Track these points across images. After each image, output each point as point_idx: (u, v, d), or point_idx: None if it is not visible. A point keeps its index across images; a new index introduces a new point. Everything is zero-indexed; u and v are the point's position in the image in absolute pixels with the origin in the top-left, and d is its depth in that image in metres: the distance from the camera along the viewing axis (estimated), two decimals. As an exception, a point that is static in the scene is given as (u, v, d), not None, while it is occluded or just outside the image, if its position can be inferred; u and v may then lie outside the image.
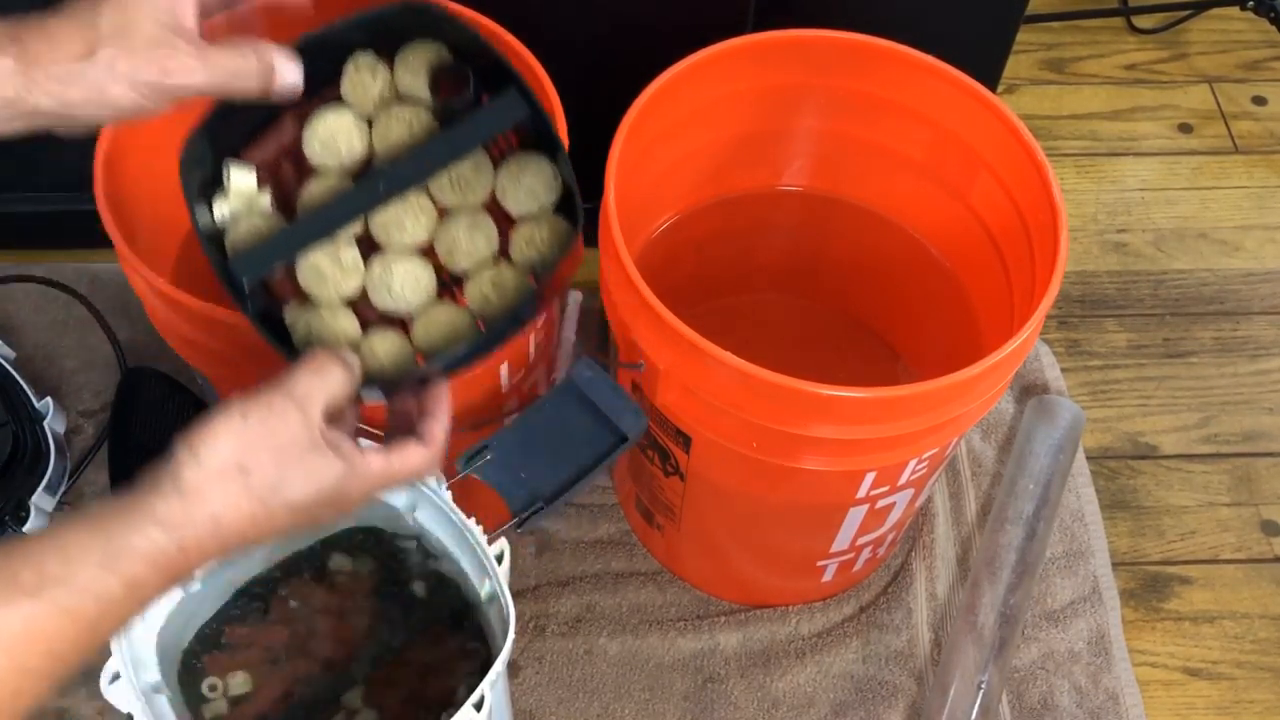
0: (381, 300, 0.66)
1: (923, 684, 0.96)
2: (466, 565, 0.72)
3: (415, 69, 0.68)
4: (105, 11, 0.58)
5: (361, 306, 0.67)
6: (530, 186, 0.68)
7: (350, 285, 0.66)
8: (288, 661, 0.74)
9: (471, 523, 0.70)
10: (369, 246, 0.67)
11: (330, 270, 0.65)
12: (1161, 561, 1.04)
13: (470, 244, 0.67)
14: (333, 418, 0.59)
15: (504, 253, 0.69)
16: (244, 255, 0.64)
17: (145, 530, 0.53)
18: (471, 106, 0.67)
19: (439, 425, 0.63)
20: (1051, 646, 0.97)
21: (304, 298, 0.66)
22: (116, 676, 0.65)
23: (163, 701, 0.67)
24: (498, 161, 0.69)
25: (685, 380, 0.75)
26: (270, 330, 0.64)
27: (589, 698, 0.94)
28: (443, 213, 0.68)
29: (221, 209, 0.66)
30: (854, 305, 1.04)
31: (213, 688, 0.73)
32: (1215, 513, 1.07)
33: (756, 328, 1.03)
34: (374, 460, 0.59)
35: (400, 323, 0.67)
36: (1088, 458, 1.08)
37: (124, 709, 0.64)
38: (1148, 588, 1.03)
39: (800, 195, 0.98)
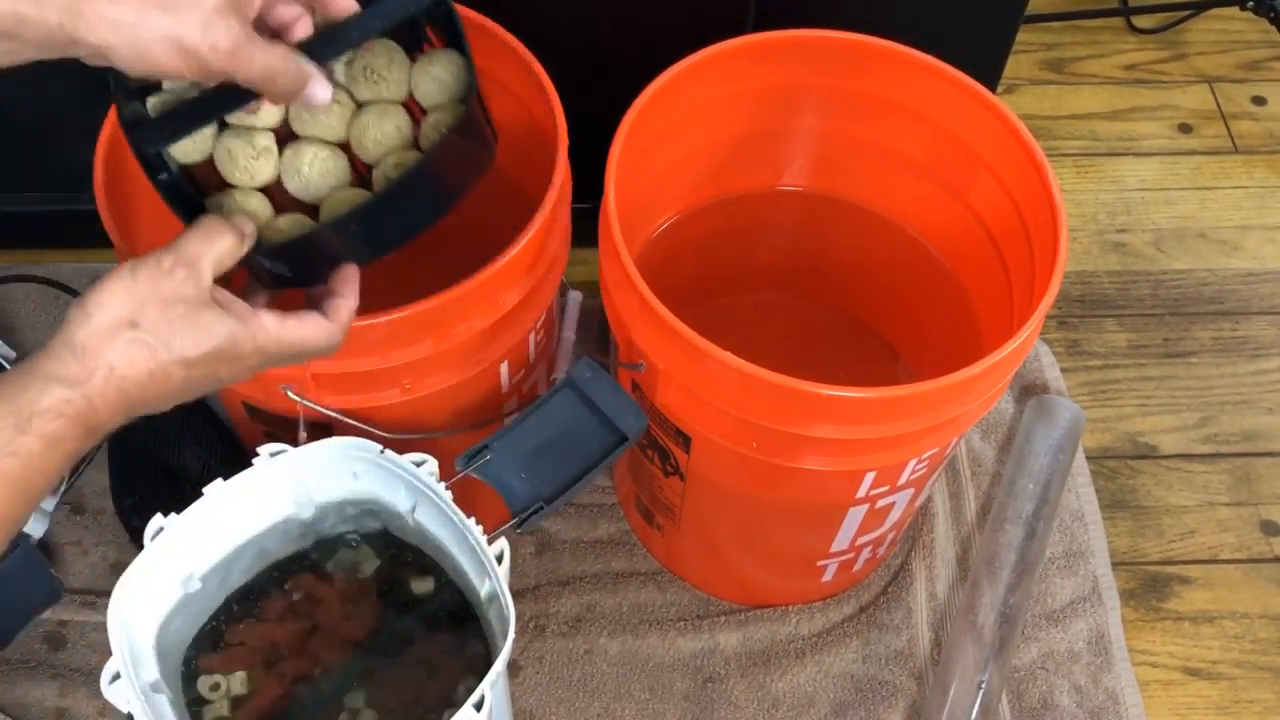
0: (292, 184, 0.68)
1: (923, 684, 0.96)
2: (466, 565, 0.72)
3: None
4: None
5: (276, 193, 0.69)
6: (439, 77, 0.69)
7: (263, 169, 0.68)
8: (287, 661, 0.74)
9: (471, 523, 0.70)
10: (289, 137, 0.69)
11: (243, 153, 0.67)
12: (1161, 561, 1.04)
13: (379, 132, 0.68)
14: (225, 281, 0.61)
15: (417, 146, 0.70)
16: (153, 124, 0.66)
17: (49, 389, 0.56)
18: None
19: (344, 303, 0.66)
20: (1051, 646, 0.97)
21: (225, 186, 0.68)
22: (116, 676, 0.65)
23: (163, 701, 0.67)
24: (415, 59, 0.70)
25: (685, 380, 0.75)
26: (180, 204, 0.66)
27: (589, 697, 0.94)
28: (360, 106, 0.69)
29: (152, 101, 0.67)
30: (854, 305, 1.04)
31: (213, 687, 0.73)
32: (1215, 512, 1.07)
33: (756, 328, 1.03)
34: (268, 320, 0.62)
35: (312, 207, 0.69)
36: (1087, 458, 1.09)
37: (124, 709, 0.64)
38: (1147, 588, 1.03)
39: (800, 195, 0.98)
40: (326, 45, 0.64)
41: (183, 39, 0.57)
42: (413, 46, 0.70)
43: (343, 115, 0.69)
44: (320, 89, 0.63)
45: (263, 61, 0.60)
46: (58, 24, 0.56)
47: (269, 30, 0.63)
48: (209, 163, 0.68)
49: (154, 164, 0.67)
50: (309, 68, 0.63)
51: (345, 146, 0.69)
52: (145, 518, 0.71)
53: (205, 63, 0.58)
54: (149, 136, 0.66)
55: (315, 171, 0.68)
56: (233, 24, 0.58)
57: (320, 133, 0.68)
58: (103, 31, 0.57)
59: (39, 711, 0.91)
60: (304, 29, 0.64)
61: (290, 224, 0.68)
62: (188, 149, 0.68)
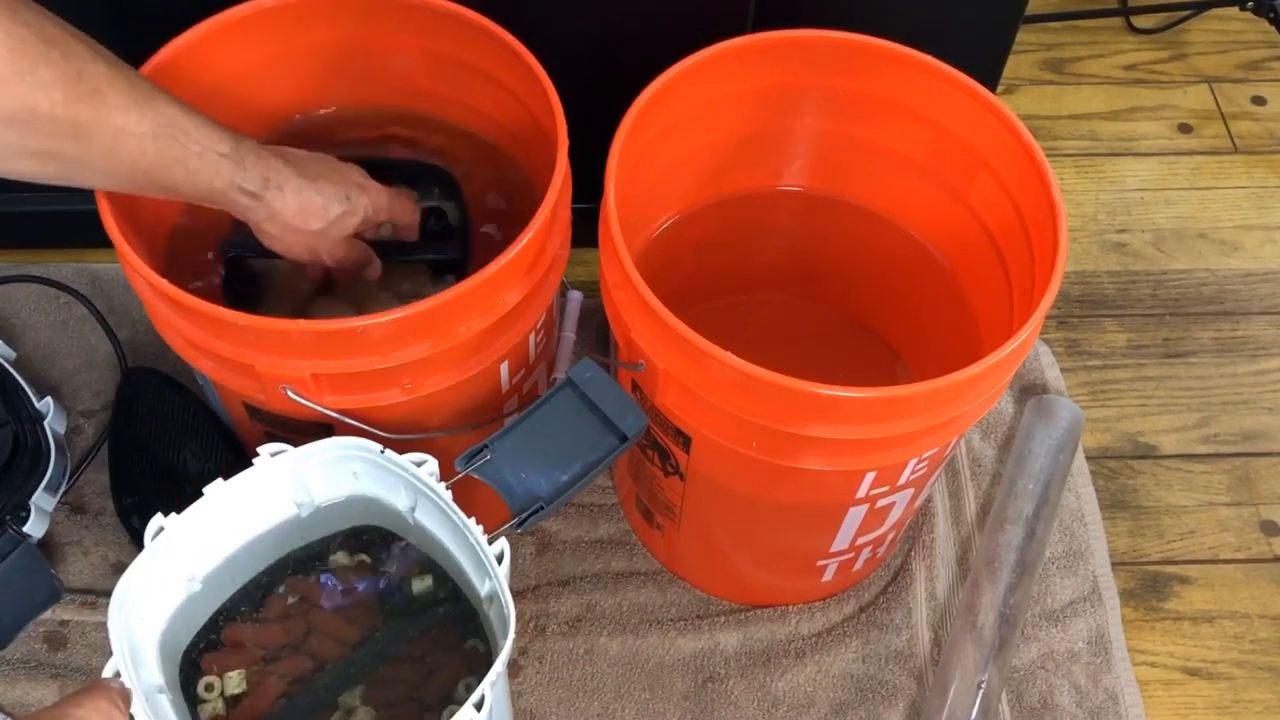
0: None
1: (923, 684, 0.96)
2: (466, 565, 0.72)
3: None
4: (336, 191, 0.80)
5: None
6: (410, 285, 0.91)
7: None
8: (285, 661, 0.74)
9: (471, 523, 0.70)
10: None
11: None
12: (1161, 561, 1.04)
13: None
14: None
15: None
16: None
17: None
18: (444, 227, 0.91)
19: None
20: (1051, 646, 0.97)
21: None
22: (117, 676, 0.65)
23: (163, 701, 0.67)
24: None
25: (685, 380, 0.75)
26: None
27: (589, 697, 0.94)
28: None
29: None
30: (854, 305, 1.04)
31: (209, 687, 0.73)
32: (1215, 513, 1.07)
33: (756, 328, 1.03)
34: None
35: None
36: (1087, 458, 1.09)
37: (129, 691, 0.64)
38: (1147, 587, 1.03)
39: (800, 195, 0.98)
40: (388, 249, 0.88)
41: (317, 250, 0.81)
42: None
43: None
44: (378, 268, 0.87)
45: (356, 256, 0.84)
46: (249, 208, 0.77)
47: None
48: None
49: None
50: (374, 255, 0.86)
51: None
52: (145, 518, 0.71)
53: (321, 262, 0.83)
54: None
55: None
56: (346, 243, 0.82)
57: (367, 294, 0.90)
58: (274, 228, 0.78)
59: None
60: (370, 234, 0.86)
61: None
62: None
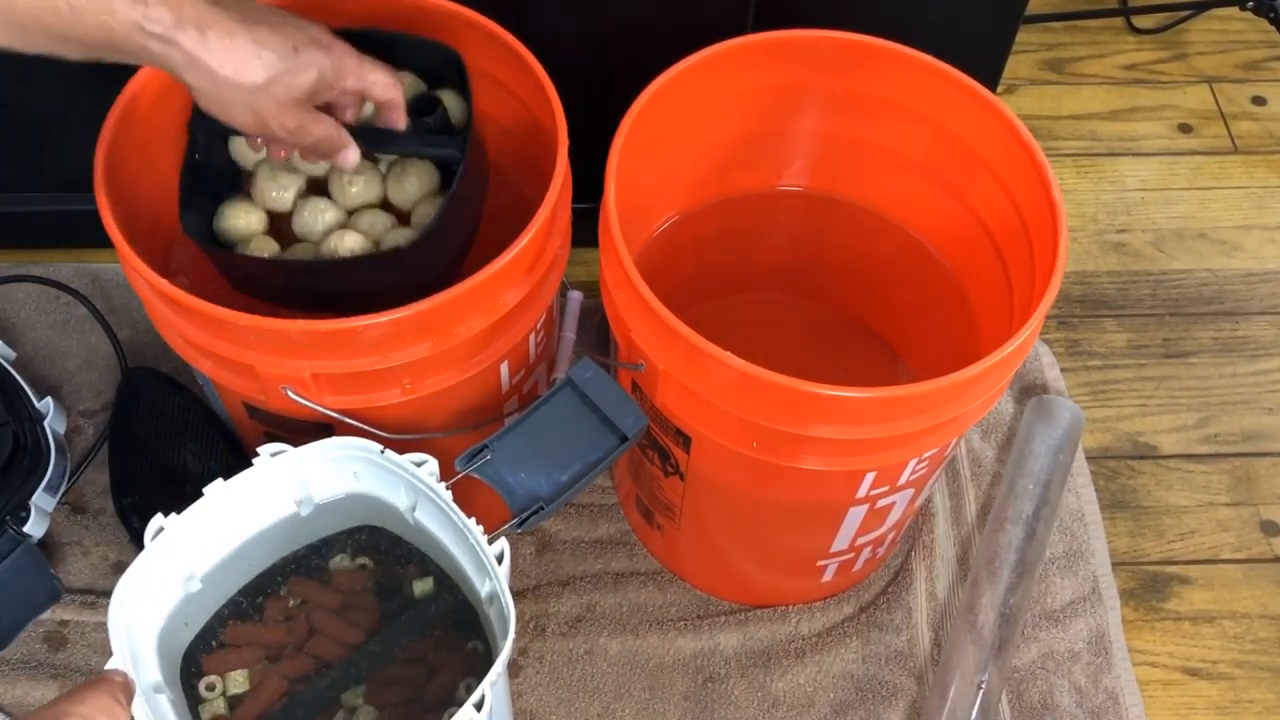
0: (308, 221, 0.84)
1: (923, 684, 0.96)
2: (466, 565, 0.72)
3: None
4: (280, 41, 0.68)
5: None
6: (409, 186, 0.84)
7: (286, 199, 0.84)
8: (287, 661, 0.74)
9: (471, 523, 0.70)
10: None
11: (276, 183, 0.84)
12: (1161, 561, 1.04)
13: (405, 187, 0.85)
14: None
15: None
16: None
17: None
18: (441, 123, 0.83)
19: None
20: (1051, 646, 0.97)
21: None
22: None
23: (163, 701, 0.67)
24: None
25: (685, 380, 0.75)
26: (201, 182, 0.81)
27: (589, 697, 0.94)
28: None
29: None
30: (854, 305, 1.04)
31: (210, 687, 0.73)
32: (1215, 513, 1.07)
33: (756, 328, 1.03)
34: None
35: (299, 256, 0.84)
36: (1087, 458, 1.09)
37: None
38: (1147, 588, 1.03)
39: (800, 195, 0.98)
40: (369, 138, 0.78)
41: (261, 113, 0.69)
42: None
43: (377, 185, 0.85)
44: (353, 154, 0.76)
45: (316, 134, 0.73)
46: (163, 56, 0.66)
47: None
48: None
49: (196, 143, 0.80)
50: (346, 138, 0.75)
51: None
52: (145, 518, 0.71)
53: (272, 133, 0.71)
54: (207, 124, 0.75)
55: (325, 217, 0.83)
56: (301, 111, 0.71)
57: (349, 202, 0.84)
58: (201, 81, 0.67)
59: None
60: (351, 116, 0.77)
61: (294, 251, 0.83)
62: (248, 156, 0.84)
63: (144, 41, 0.65)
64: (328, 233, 0.82)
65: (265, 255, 0.82)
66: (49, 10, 0.63)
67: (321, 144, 0.74)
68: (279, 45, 0.68)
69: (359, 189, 0.84)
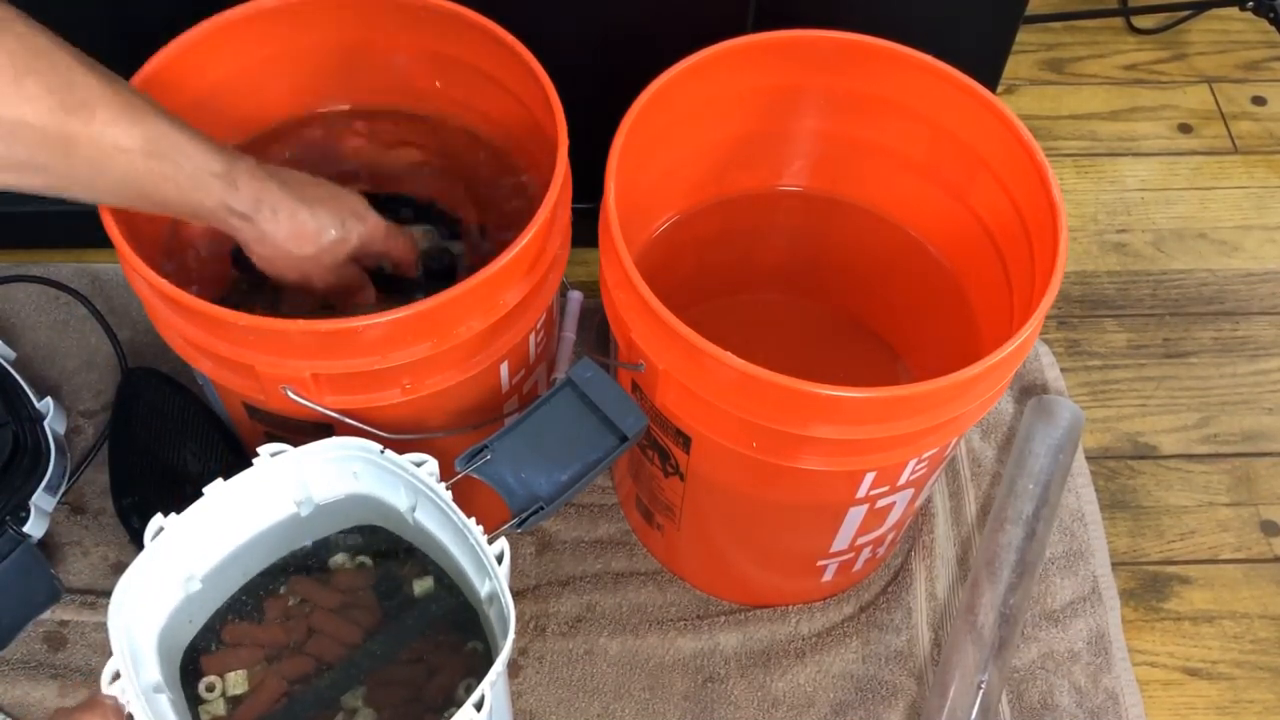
0: None
1: (923, 684, 0.96)
2: (466, 565, 0.72)
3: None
4: (332, 218, 0.79)
5: None
6: None
7: None
8: (286, 661, 0.74)
9: (471, 523, 0.70)
10: None
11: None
12: (1161, 561, 1.04)
13: None
14: None
15: None
16: None
17: None
18: (447, 265, 0.92)
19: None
20: (1051, 646, 0.97)
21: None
22: (117, 676, 0.65)
23: (163, 701, 0.67)
24: None
25: (685, 380, 0.75)
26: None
27: (589, 698, 0.94)
28: None
29: None
30: (854, 305, 1.04)
31: (210, 687, 0.73)
32: (1215, 513, 1.07)
33: (756, 328, 1.03)
34: None
35: None
36: (1087, 458, 1.09)
37: (124, 709, 0.64)
38: (1147, 588, 1.03)
39: (800, 195, 0.98)
40: (385, 283, 0.88)
41: (308, 275, 0.80)
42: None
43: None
44: (371, 295, 0.87)
45: (345, 282, 0.84)
46: (239, 229, 0.76)
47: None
48: None
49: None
50: (367, 281, 0.86)
51: None
52: (145, 518, 0.71)
53: (313, 287, 0.82)
54: None
55: None
56: (339, 269, 0.82)
57: None
58: (265, 250, 0.77)
59: (39, 711, 0.91)
60: (371, 264, 0.86)
61: None
62: None
63: (226, 216, 0.75)
64: None
65: None
66: (156, 187, 0.71)
67: (350, 290, 0.85)
68: (331, 220, 0.79)
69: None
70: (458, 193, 0.95)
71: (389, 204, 0.89)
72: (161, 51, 0.83)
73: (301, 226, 0.77)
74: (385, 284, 0.88)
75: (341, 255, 0.81)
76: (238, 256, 0.87)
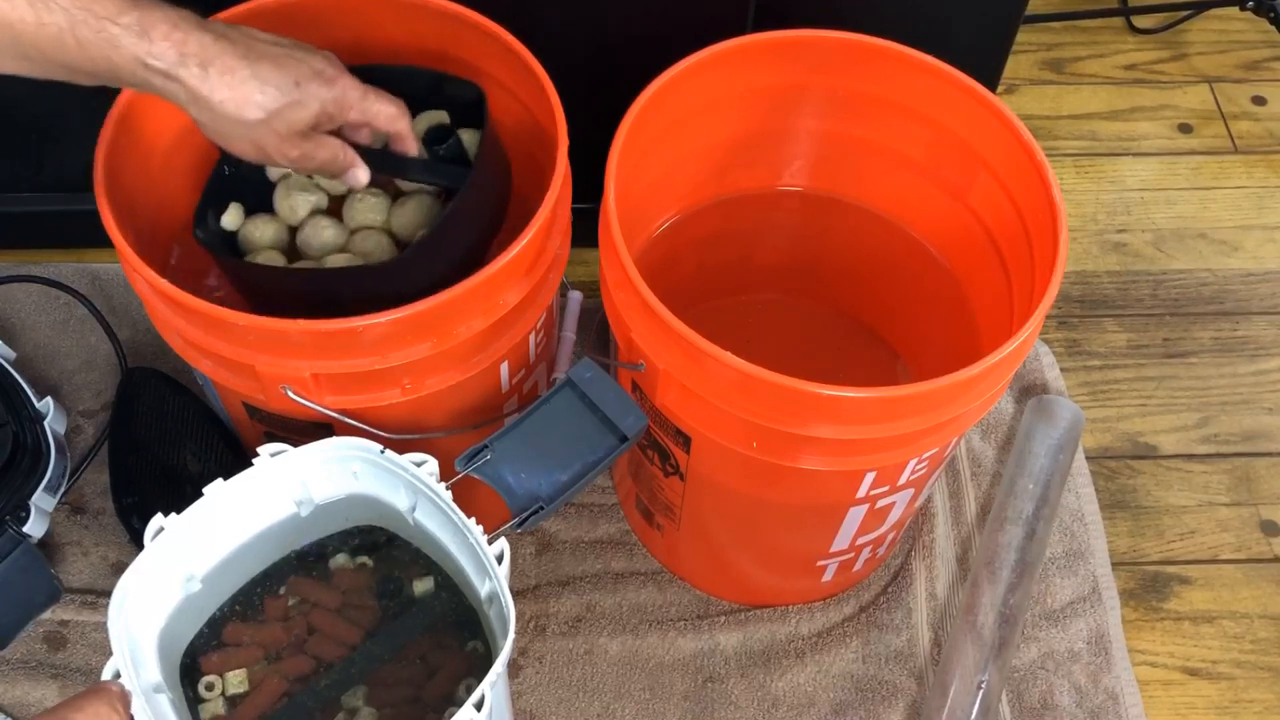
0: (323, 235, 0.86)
1: (923, 684, 0.96)
2: (466, 565, 0.72)
3: (418, 130, 0.85)
4: (281, 77, 0.70)
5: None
6: (410, 215, 0.86)
7: (302, 210, 0.87)
8: (286, 661, 0.74)
9: (471, 523, 0.70)
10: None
11: (298, 199, 0.87)
12: (1161, 561, 1.04)
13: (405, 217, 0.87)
14: None
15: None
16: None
17: None
18: (454, 153, 0.84)
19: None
20: (1051, 646, 0.97)
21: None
22: (117, 676, 0.65)
23: (163, 701, 0.67)
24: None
25: (685, 380, 0.75)
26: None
27: (589, 697, 0.94)
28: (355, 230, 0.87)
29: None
30: (854, 305, 1.04)
31: (209, 687, 0.73)
32: (1215, 513, 1.07)
33: (756, 328, 1.03)
34: None
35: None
36: (1087, 458, 1.09)
37: (130, 694, 0.64)
38: (1147, 588, 1.03)
39: (800, 195, 0.98)
40: (381, 161, 0.80)
41: (262, 145, 0.71)
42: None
43: (382, 210, 0.87)
44: (362, 176, 0.78)
45: (320, 158, 0.74)
46: (166, 90, 0.68)
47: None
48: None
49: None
50: (354, 157, 0.77)
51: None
52: (145, 518, 0.71)
53: (274, 161, 0.73)
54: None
55: (324, 234, 0.86)
56: (303, 141, 0.72)
57: (353, 220, 0.87)
58: (203, 115, 0.69)
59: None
60: (365, 138, 0.78)
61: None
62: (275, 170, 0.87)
63: (146, 75, 0.66)
64: (324, 249, 0.85)
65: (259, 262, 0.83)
66: (54, 44, 0.64)
67: (327, 166, 0.76)
68: (280, 81, 0.69)
69: (362, 209, 0.86)
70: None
71: (389, 78, 0.80)
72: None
73: (240, 86, 0.68)
74: (381, 164, 0.80)
75: (300, 122, 0.71)
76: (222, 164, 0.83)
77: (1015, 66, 1.37)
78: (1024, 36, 1.38)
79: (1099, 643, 0.98)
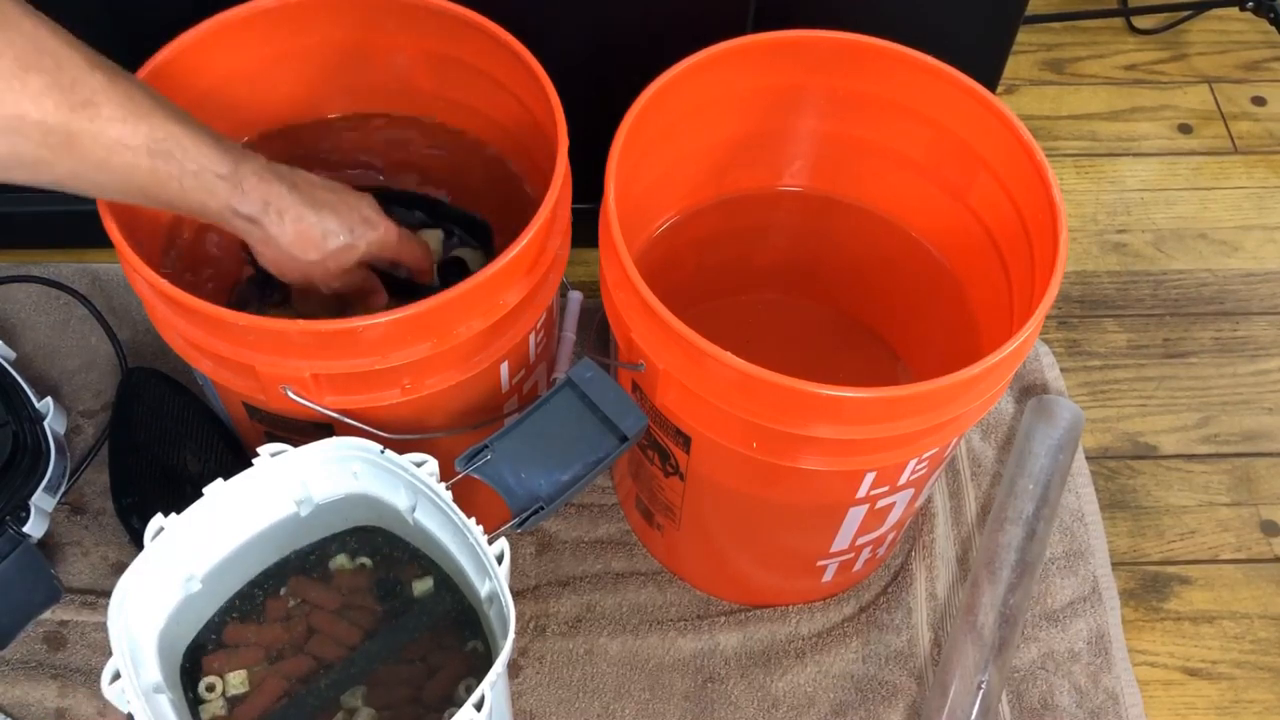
0: None
1: (923, 684, 0.96)
2: (466, 565, 0.72)
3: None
4: (340, 225, 0.78)
5: None
6: None
7: None
8: (287, 661, 0.74)
9: (471, 523, 0.70)
10: None
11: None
12: (1161, 561, 1.04)
13: None
14: None
15: None
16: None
17: None
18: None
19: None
20: (1051, 646, 0.97)
21: None
22: (117, 676, 0.65)
23: (163, 701, 0.67)
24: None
25: (685, 380, 0.75)
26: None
27: (589, 698, 0.94)
28: None
29: None
30: (854, 305, 1.04)
31: (210, 687, 0.73)
32: (1215, 513, 1.07)
33: (756, 328, 1.03)
34: None
35: None
36: (1087, 458, 1.09)
37: (124, 709, 0.64)
38: (1147, 588, 1.03)
39: (800, 195, 0.98)
40: (399, 289, 0.87)
41: (313, 279, 0.80)
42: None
43: None
44: (382, 300, 0.86)
45: (355, 284, 0.83)
46: (245, 230, 0.76)
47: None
48: None
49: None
50: (378, 284, 0.85)
51: None
52: (145, 518, 0.71)
53: (317, 291, 0.81)
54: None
55: None
56: (346, 275, 0.81)
57: None
58: (270, 252, 0.77)
59: (39, 711, 0.91)
60: (385, 265, 0.85)
61: None
62: None
63: (231, 218, 0.74)
64: None
65: None
66: (161, 187, 0.70)
67: (356, 291, 0.84)
68: (339, 226, 0.78)
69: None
70: (470, 189, 0.95)
71: (400, 201, 0.90)
72: (161, 52, 0.83)
73: (308, 231, 0.76)
74: (399, 289, 0.87)
75: (349, 261, 0.80)
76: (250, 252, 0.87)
77: (1015, 66, 1.37)
78: (1024, 36, 1.38)
79: (1099, 643, 0.98)
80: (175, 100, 0.72)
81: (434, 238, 0.95)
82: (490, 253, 0.93)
